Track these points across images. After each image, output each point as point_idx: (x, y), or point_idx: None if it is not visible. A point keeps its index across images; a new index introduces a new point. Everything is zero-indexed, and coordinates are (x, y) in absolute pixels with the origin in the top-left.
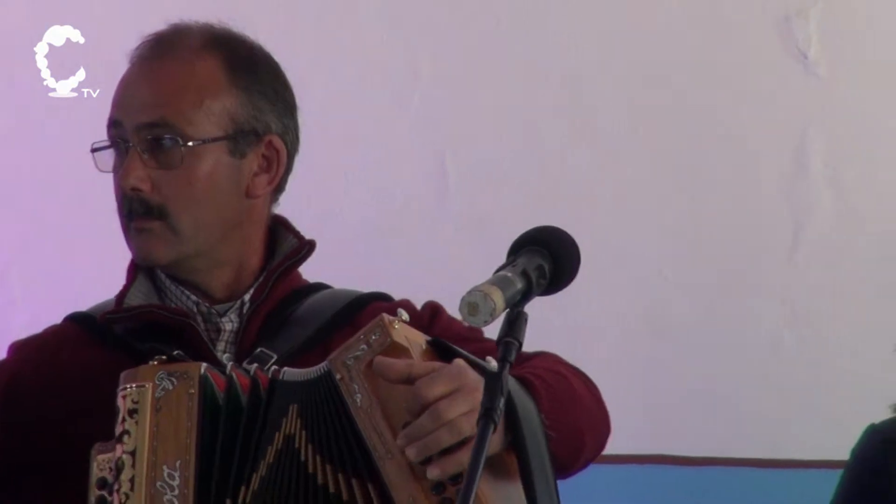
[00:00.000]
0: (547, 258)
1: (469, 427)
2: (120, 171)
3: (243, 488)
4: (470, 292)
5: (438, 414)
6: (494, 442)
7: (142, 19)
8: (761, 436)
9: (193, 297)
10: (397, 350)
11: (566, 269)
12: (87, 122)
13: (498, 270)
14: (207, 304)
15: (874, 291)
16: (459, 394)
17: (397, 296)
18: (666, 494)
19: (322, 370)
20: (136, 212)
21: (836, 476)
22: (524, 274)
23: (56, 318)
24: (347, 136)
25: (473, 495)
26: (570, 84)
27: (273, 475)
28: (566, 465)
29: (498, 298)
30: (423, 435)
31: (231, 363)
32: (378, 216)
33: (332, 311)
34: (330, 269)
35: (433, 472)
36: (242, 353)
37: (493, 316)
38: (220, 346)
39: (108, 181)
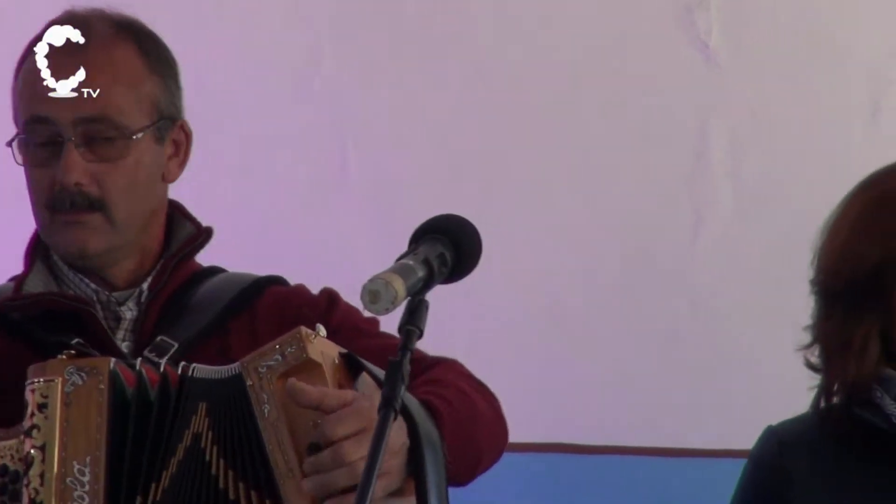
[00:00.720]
0: (448, 246)
1: None
2: (54, 166)
3: (154, 485)
4: (371, 280)
5: (341, 455)
6: (396, 469)
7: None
8: (661, 425)
9: (92, 285)
10: (311, 366)
11: (467, 258)
12: None
13: (399, 258)
14: (107, 292)
15: (774, 283)
16: (364, 435)
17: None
18: (565, 483)
19: (233, 371)
20: (79, 206)
21: (734, 466)
22: (426, 262)
23: None
24: (248, 122)
25: (372, 488)
26: (473, 71)
27: (182, 473)
28: (461, 481)
29: (399, 286)
30: (323, 471)
31: (140, 358)
32: (279, 203)
33: (228, 295)
34: (231, 256)
35: None
36: (142, 341)
37: (394, 304)
38: (120, 334)
39: None
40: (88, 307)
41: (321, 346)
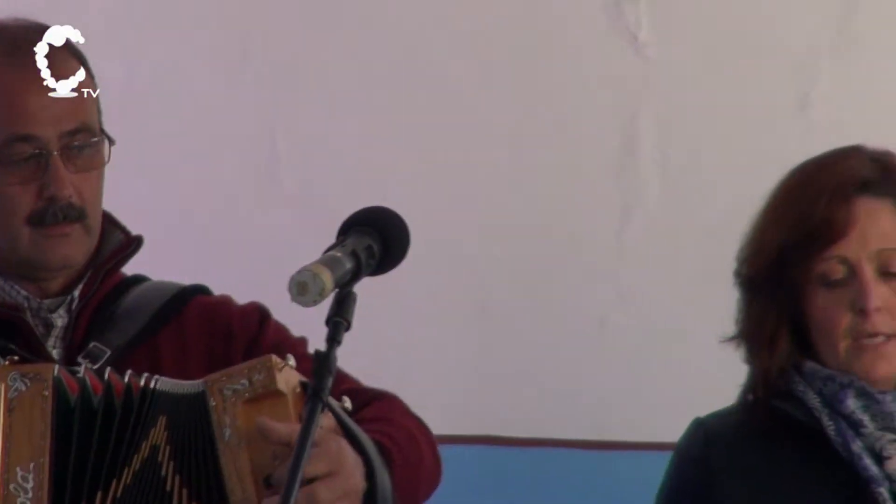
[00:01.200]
0: (376, 239)
1: None
2: (36, 181)
3: (100, 493)
4: (299, 272)
5: (313, 497)
6: None
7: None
8: (587, 417)
9: (23, 292)
10: (276, 395)
11: (395, 250)
12: None
13: (327, 251)
14: (38, 300)
15: (700, 275)
16: (336, 478)
17: (230, 276)
18: (492, 475)
19: (197, 388)
20: (70, 217)
21: (660, 458)
22: (353, 254)
23: None
24: (177, 115)
25: (299, 479)
26: (402, 66)
27: (136, 484)
28: None
29: (327, 278)
30: None
31: (83, 366)
32: (208, 197)
33: (156, 304)
34: (161, 253)
35: None
36: (72, 348)
37: (322, 296)
38: (51, 341)
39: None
40: (20, 314)
41: (287, 375)
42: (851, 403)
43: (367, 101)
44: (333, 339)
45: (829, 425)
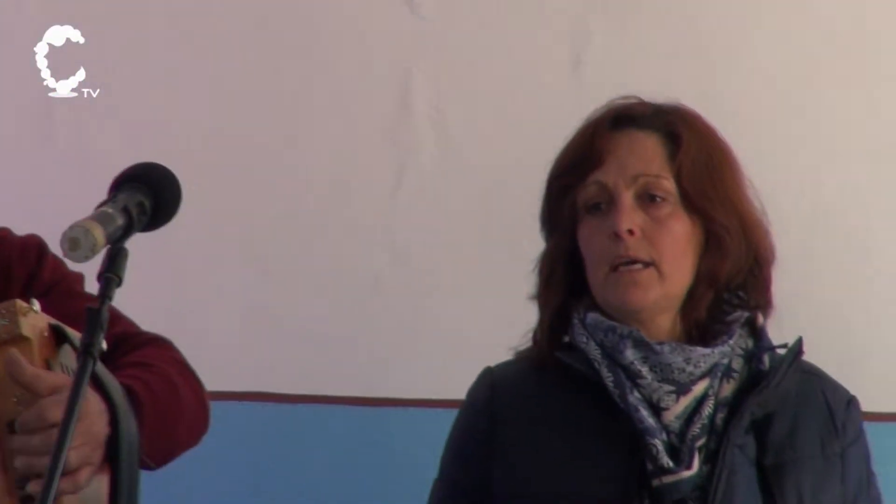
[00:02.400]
0: (148, 195)
1: (77, 460)
2: None
3: None
4: (71, 228)
5: (52, 442)
6: (97, 457)
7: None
8: (361, 374)
9: None
10: (20, 340)
11: (167, 206)
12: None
13: (99, 207)
14: None
15: (476, 232)
16: (78, 424)
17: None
18: (266, 432)
19: None
20: None
21: (435, 415)
22: (125, 210)
23: None
24: None
25: (69, 437)
26: (175, 18)
27: None
28: (152, 467)
29: (99, 234)
30: (32, 454)
31: None
32: None
33: None
34: None
35: (32, 488)
36: None
37: (94, 251)
38: None
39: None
40: None
41: (33, 320)
42: (630, 354)
43: (143, 59)
44: (105, 295)
45: (607, 377)
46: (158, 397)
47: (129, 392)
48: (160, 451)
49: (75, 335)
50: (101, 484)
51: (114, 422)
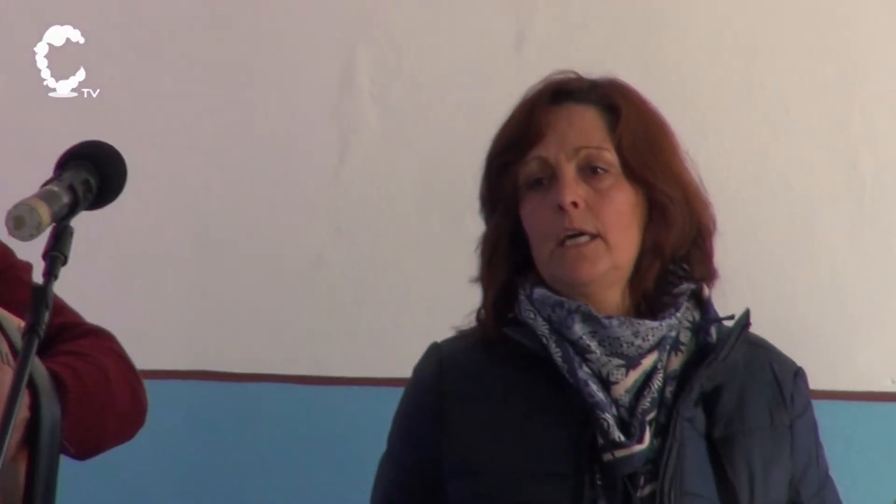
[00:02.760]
0: (93, 172)
1: None
2: None
3: None
4: (16, 206)
5: None
6: (14, 441)
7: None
8: (306, 353)
9: None
10: None
11: (112, 184)
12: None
13: (44, 185)
14: None
15: (418, 210)
16: None
17: None
18: (210, 411)
19: None
20: None
21: (377, 393)
22: (70, 188)
23: None
24: None
25: (17, 407)
26: None
27: None
28: (78, 457)
29: (44, 213)
30: None
31: None
32: None
33: None
34: None
35: None
36: None
37: (38, 230)
38: None
39: None
40: None
41: None
42: (578, 329)
43: (89, 42)
44: (51, 274)
45: (556, 352)
46: (87, 386)
47: (56, 378)
48: (85, 441)
49: (10, 318)
50: (20, 466)
51: (35, 405)
